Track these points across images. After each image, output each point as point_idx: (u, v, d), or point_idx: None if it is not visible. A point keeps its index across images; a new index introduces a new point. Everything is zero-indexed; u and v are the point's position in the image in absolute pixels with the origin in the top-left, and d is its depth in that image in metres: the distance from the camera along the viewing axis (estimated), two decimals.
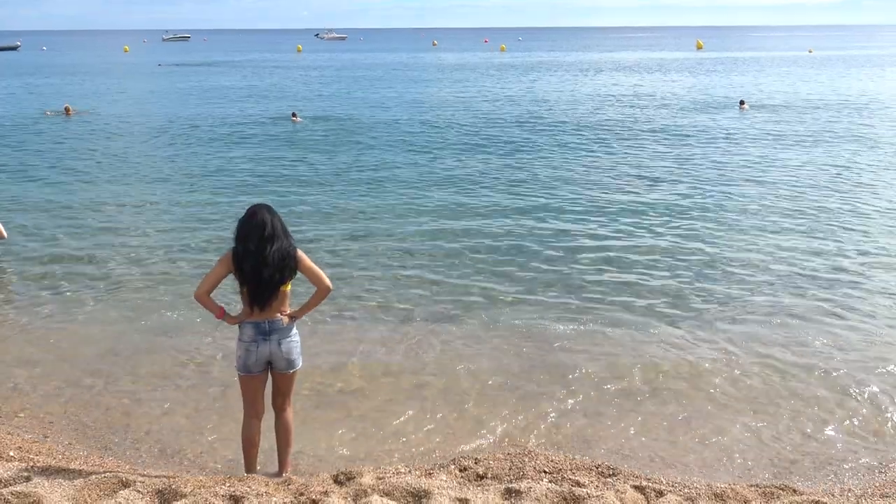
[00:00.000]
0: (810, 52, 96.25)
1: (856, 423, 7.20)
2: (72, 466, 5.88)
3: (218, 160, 21.14)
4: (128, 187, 17.65)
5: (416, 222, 14.42)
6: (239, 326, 5.55)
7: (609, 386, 7.92)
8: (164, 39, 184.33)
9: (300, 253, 5.51)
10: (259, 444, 5.83)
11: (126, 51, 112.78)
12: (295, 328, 5.64)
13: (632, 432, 7.06)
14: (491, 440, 6.89)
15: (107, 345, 8.94)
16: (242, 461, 5.91)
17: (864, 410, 7.41)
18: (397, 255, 12.38)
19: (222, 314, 5.53)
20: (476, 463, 6.14)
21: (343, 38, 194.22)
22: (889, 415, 7.33)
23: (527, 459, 6.22)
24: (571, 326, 9.48)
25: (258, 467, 5.93)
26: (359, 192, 16.99)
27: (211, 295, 5.50)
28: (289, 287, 5.56)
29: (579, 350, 8.81)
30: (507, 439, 6.91)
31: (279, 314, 5.51)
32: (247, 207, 5.56)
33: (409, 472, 5.89)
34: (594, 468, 6.14)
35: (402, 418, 7.26)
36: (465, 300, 10.40)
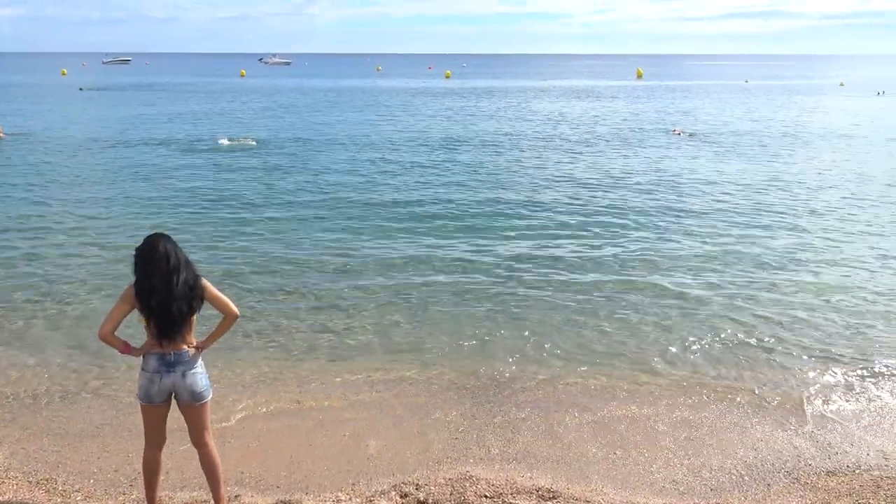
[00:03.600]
0: (746, 81, 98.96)
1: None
2: None
3: (135, 183, 20.71)
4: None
5: (354, 247, 14.37)
6: (143, 356, 5.34)
7: (554, 406, 7.95)
8: (104, 63, 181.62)
9: (205, 281, 5.35)
10: (159, 472, 5.64)
11: (64, 74, 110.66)
12: (200, 359, 5.44)
13: (577, 452, 7.06)
14: (433, 464, 6.82)
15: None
16: (145, 493, 5.71)
17: None
18: (335, 280, 12.32)
19: (127, 349, 5.28)
20: (417, 489, 6.15)
21: (287, 63, 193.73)
22: None
23: (468, 484, 6.24)
24: (514, 344, 9.54)
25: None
26: (295, 219, 16.82)
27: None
28: (195, 316, 5.37)
29: (522, 369, 8.85)
30: (448, 462, 6.85)
31: (186, 346, 5.31)
32: (144, 238, 5.32)
33: (350, 499, 5.87)
34: (534, 492, 6.17)
35: (341, 443, 7.17)
36: (400, 320, 10.43)
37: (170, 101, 55.67)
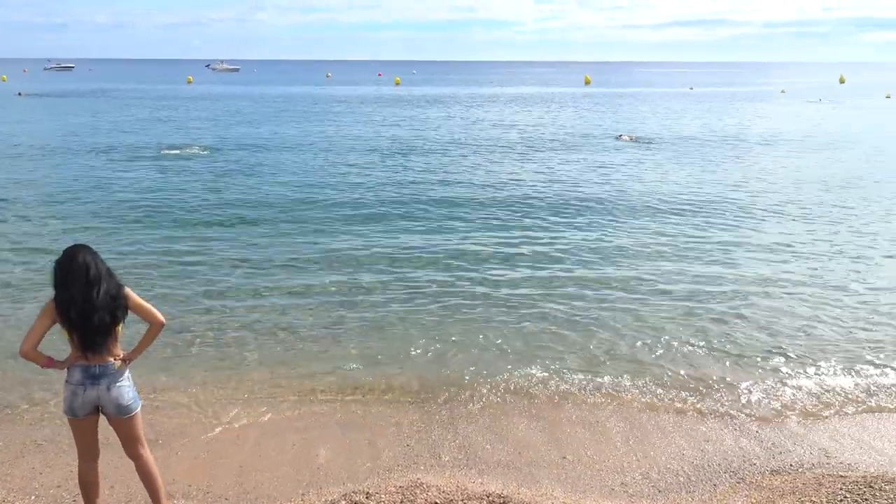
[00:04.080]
0: (691, 88, 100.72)
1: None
2: None
3: (74, 190, 20.17)
4: None
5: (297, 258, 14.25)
6: (68, 369, 5.22)
7: (504, 411, 8.00)
8: (45, 69, 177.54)
9: (128, 290, 5.26)
10: (98, 486, 5.53)
11: (3, 80, 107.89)
12: (127, 371, 5.34)
13: (527, 456, 7.09)
14: (383, 472, 6.79)
15: None
16: None
17: None
18: (282, 288, 12.20)
19: (50, 363, 5.16)
20: (368, 497, 6.12)
21: (236, 70, 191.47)
22: None
23: (418, 491, 6.22)
24: (465, 349, 9.55)
25: None
26: (239, 224, 16.66)
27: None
28: (120, 326, 5.27)
29: (473, 374, 8.86)
30: (398, 469, 6.83)
31: (111, 358, 5.21)
32: (63, 250, 5.22)
33: None
34: (485, 497, 6.17)
35: (290, 453, 7.10)
36: (349, 327, 10.36)
37: (113, 107, 54.56)
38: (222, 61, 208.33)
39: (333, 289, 12.08)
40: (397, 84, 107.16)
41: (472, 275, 12.88)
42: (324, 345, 9.85)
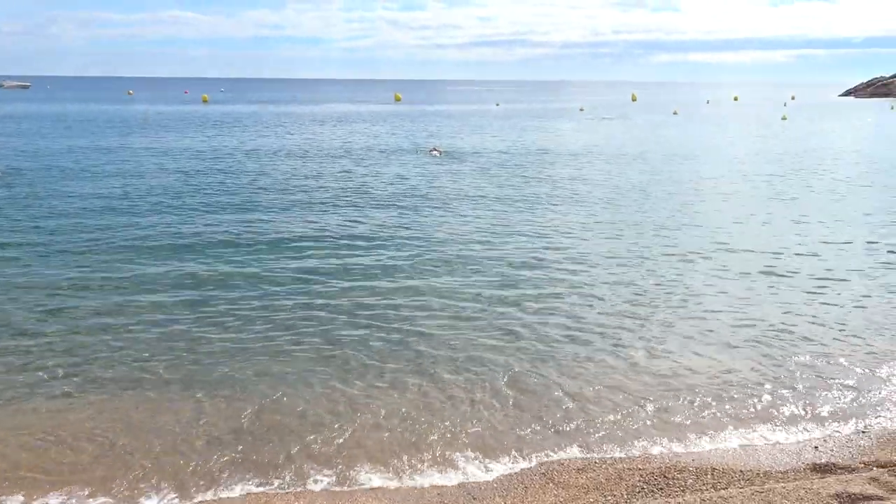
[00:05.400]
0: (497, 105, 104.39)
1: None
2: None
3: None
4: None
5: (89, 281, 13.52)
6: None
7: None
8: None
9: None
10: None
11: None
12: None
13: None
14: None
15: None
16: None
17: None
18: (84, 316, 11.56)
19: None
20: None
21: (26, 87, 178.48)
22: None
23: None
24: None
25: None
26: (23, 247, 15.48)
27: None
28: None
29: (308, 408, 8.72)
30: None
31: None
32: None
33: None
34: None
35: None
36: (186, 355, 9.98)
37: None
38: (10, 77, 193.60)
39: (137, 311, 11.44)
40: (205, 102, 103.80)
41: (277, 291, 12.62)
42: (135, 372, 9.41)
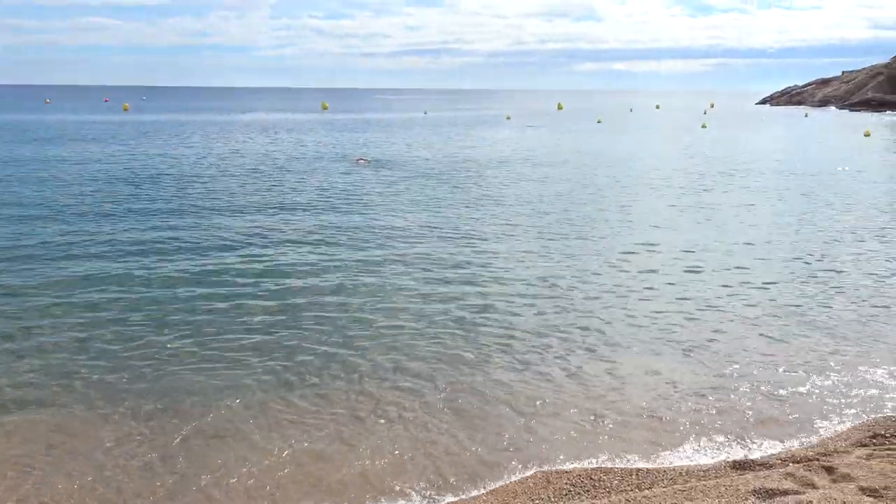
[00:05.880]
0: (426, 113, 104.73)
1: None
2: None
3: None
4: None
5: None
6: None
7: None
8: None
9: None
10: None
11: None
12: None
13: None
14: None
15: None
16: None
17: None
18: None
19: None
20: None
21: None
22: None
23: None
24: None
25: None
26: None
27: None
28: None
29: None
30: None
31: None
32: None
33: None
34: None
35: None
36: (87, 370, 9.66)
37: None
38: None
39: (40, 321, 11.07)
40: (126, 110, 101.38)
41: (184, 296, 12.41)
42: (45, 380, 9.06)
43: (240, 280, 14.26)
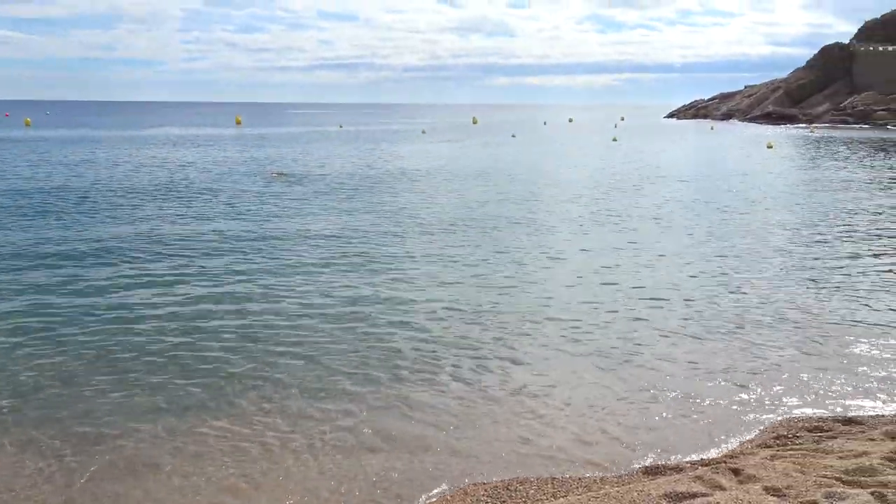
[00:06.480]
0: (340, 127, 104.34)
1: None
2: None
3: None
4: None
5: None
6: None
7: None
8: None
9: None
10: None
11: None
12: None
13: None
14: None
15: None
16: None
17: None
18: None
19: None
20: None
21: None
22: None
23: None
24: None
25: None
26: None
27: None
28: None
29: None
30: None
31: None
32: None
33: None
34: None
35: None
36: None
37: None
38: None
39: None
40: (28, 125, 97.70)
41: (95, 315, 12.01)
42: None
43: (135, 296, 13.83)
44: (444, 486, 7.38)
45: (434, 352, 11.16)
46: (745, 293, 14.64)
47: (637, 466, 7.72)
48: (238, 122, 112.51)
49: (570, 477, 7.50)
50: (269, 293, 14.33)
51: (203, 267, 16.37)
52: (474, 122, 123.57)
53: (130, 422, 8.67)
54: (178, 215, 23.53)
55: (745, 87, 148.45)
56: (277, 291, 14.45)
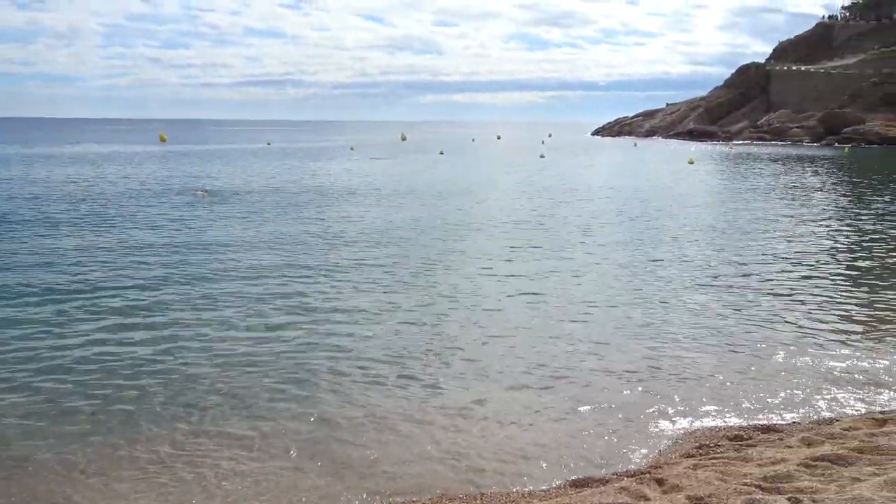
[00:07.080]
0: (269, 144, 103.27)
1: None
2: None
3: None
4: None
5: None
6: None
7: None
8: None
9: None
10: None
11: None
12: None
13: None
14: None
15: None
16: None
17: None
18: None
19: None
20: None
21: None
22: None
23: None
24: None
25: None
26: None
27: None
28: None
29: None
30: None
31: None
32: None
33: None
34: None
35: None
36: None
37: None
38: None
39: None
40: None
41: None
42: None
43: (53, 319, 13.39)
44: None
45: (362, 368, 11.07)
46: (665, 303, 14.95)
47: (564, 480, 7.75)
48: (162, 139, 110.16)
49: (497, 492, 7.49)
50: (185, 313, 14.01)
51: (111, 289, 15.88)
52: (403, 139, 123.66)
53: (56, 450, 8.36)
54: (95, 235, 22.86)
55: (667, 105, 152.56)
56: (195, 310, 14.15)
